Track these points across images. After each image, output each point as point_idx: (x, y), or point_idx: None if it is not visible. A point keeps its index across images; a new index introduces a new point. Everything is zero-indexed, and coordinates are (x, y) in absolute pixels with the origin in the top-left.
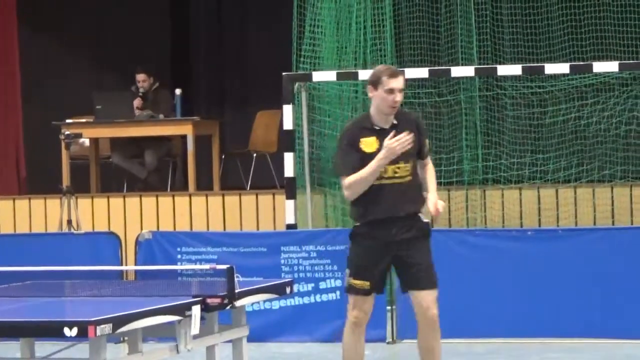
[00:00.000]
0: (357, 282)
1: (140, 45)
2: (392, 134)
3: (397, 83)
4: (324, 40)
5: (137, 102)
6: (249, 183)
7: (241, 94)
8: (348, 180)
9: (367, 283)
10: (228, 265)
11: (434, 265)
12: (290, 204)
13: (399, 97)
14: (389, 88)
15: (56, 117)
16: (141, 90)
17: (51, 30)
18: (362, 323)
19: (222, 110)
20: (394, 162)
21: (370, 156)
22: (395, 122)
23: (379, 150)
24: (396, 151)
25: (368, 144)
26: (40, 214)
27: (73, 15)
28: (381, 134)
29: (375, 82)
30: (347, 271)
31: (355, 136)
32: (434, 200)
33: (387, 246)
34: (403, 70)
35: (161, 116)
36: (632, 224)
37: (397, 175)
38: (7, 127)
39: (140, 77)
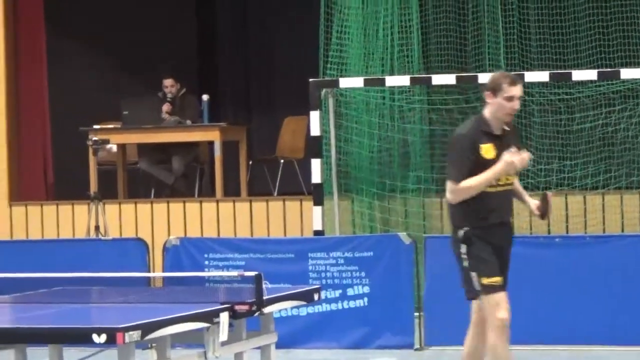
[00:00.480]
0: (493, 279)
1: (166, 52)
2: (513, 149)
3: (517, 91)
4: (351, 47)
5: (165, 108)
6: (276, 189)
7: (268, 100)
8: (460, 185)
9: (500, 278)
10: (256, 272)
11: None
12: (317, 210)
13: (517, 104)
14: (509, 95)
15: (83, 123)
16: (169, 96)
17: (78, 37)
18: (508, 325)
19: (249, 117)
20: None
21: (488, 162)
22: (507, 128)
23: (497, 156)
24: (515, 167)
25: (488, 150)
26: (68, 220)
27: (100, 22)
28: (497, 140)
29: (495, 88)
30: (474, 274)
31: (475, 141)
32: (537, 203)
33: (495, 249)
34: (522, 77)
35: (188, 122)
36: None
37: (508, 182)
38: (35, 133)
39: (168, 82)
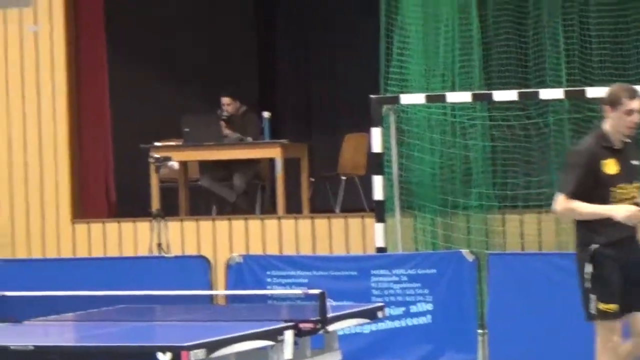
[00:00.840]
0: (609, 306)
1: (227, 69)
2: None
3: (637, 104)
4: (411, 63)
5: (222, 125)
6: (338, 206)
7: (329, 116)
8: (571, 205)
9: (617, 306)
10: (320, 290)
11: None
12: (379, 227)
13: (637, 117)
14: (628, 109)
15: (145, 140)
16: (224, 114)
17: (138, 54)
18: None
19: (310, 133)
20: (629, 181)
21: (610, 178)
22: (627, 140)
23: (618, 172)
24: (635, 220)
25: (609, 165)
26: (130, 238)
27: (161, 39)
28: (618, 155)
29: (614, 102)
30: (594, 297)
31: (597, 156)
32: None
33: (622, 267)
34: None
35: (249, 139)
36: None
37: (633, 195)
38: (97, 150)
39: (225, 100)
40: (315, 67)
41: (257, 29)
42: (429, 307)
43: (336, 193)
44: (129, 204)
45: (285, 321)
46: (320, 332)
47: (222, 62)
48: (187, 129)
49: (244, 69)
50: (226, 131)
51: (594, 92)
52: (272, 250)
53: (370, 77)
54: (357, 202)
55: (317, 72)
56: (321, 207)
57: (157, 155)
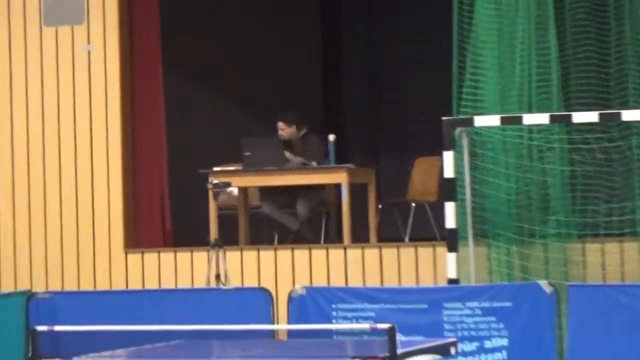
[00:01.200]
0: None
1: (291, 90)
2: None
3: None
4: (486, 83)
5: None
6: (408, 235)
7: (398, 139)
8: None
9: None
10: (389, 325)
11: None
12: (451, 257)
13: None
14: None
15: (202, 165)
16: (280, 138)
17: (197, 75)
18: None
19: (378, 157)
20: None
21: None
22: None
23: None
24: None
25: None
26: (187, 268)
27: (221, 59)
28: None
29: None
30: None
31: None
32: None
33: None
34: None
35: (314, 164)
36: None
37: None
38: (152, 176)
39: (279, 125)
40: (383, 87)
41: (322, 47)
42: (505, 342)
43: (406, 221)
44: (185, 232)
45: (352, 357)
46: None
47: (286, 82)
48: (247, 153)
49: (309, 90)
50: (287, 154)
51: None
52: (338, 281)
53: (442, 98)
54: (427, 230)
55: (386, 93)
56: (389, 235)
57: (215, 181)
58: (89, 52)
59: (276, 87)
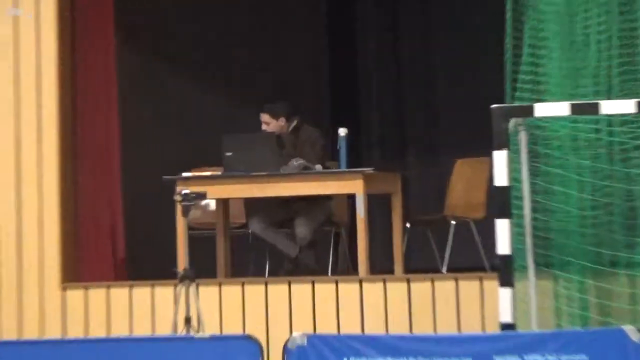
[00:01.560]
0: None
1: (284, 72)
2: None
3: None
4: (550, 60)
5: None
6: (446, 263)
7: (431, 136)
8: None
9: None
10: None
11: None
12: (505, 293)
13: None
14: None
15: (168, 170)
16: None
17: (161, 54)
18: None
19: (404, 160)
20: None
21: None
22: None
23: None
24: None
25: None
26: (146, 309)
27: (196, 34)
28: None
29: None
30: None
31: None
32: None
33: None
34: None
35: (318, 167)
36: None
37: None
38: (99, 186)
39: (263, 118)
40: (409, 68)
41: (328, 9)
42: None
43: (443, 245)
44: (144, 261)
45: None
46: None
47: (281, 59)
48: (229, 153)
49: (310, 69)
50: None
51: None
52: (350, 327)
53: (489, 82)
54: (472, 257)
55: (412, 72)
56: (421, 264)
57: (185, 191)
58: (16, 19)
59: (267, 67)
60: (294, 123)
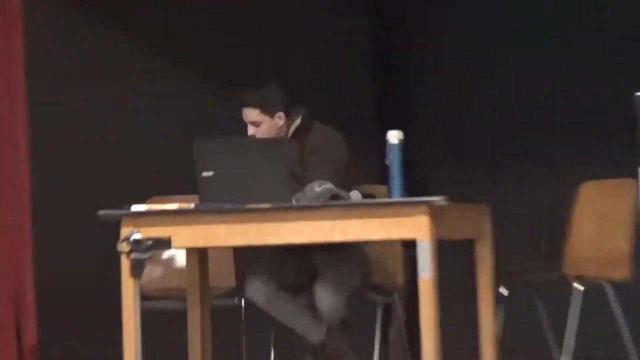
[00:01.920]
0: None
1: (302, 61)
2: None
3: None
4: None
5: None
6: (568, 353)
7: (528, 148)
8: None
9: None
10: None
11: None
12: None
13: None
14: None
15: (109, 201)
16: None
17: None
18: None
19: (494, 179)
20: None
21: None
22: None
23: None
24: None
25: None
26: None
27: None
28: None
29: None
30: None
31: None
32: None
33: None
34: None
35: (355, 195)
36: None
37: None
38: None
39: (250, 115)
40: (488, 49)
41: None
42: None
43: (562, 321)
44: (67, 351)
45: None
46: None
47: (296, 43)
48: (207, 173)
49: (349, 60)
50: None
51: None
52: None
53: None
54: (611, 342)
55: (493, 57)
56: (522, 348)
57: (137, 236)
58: None
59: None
60: (298, 121)
